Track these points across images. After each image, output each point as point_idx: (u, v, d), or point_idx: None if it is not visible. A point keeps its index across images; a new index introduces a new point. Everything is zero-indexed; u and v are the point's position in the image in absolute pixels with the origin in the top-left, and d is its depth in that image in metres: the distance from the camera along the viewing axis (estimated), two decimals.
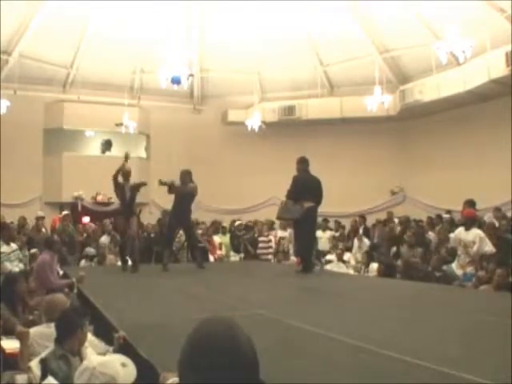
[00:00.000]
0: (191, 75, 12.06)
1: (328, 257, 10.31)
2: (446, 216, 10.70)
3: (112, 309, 4.76)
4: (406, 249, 8.62)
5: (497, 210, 9.62)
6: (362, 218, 11.72)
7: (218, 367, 1.17)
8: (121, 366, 2.54)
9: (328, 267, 9.71)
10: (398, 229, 10.31)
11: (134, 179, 8.63)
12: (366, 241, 10.47)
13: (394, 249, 9.42)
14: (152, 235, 11.17)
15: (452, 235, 7.66)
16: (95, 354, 3.20)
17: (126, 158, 8.48)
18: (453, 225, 9.38)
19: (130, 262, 8.56)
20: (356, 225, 11.47)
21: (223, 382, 1.17)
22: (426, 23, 12.58)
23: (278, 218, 8.97)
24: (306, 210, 7.61)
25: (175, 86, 11.42)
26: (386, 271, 8.06)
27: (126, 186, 8.41)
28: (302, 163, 8.09)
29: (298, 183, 7.86)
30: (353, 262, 9.98)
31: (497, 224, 8.47)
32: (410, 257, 8.36)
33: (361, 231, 11.02)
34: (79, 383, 2.51)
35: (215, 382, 1.17)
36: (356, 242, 10.52)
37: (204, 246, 10.73)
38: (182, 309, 5.02)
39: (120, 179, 8.36)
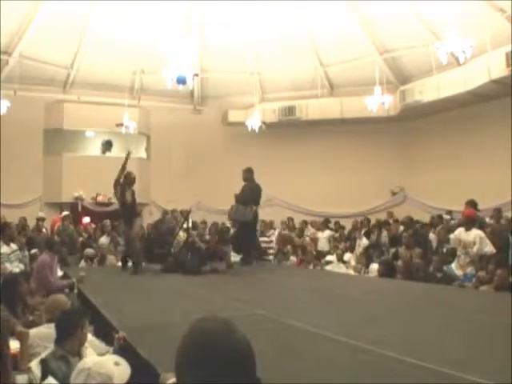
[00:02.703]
0: (196, 75, 12.07)
1: (328, 257, 10.30)
2: (446, 217, 10.68)
3: (112, 309, 4.76)
4: (404, 249, 8.61)
5: (496, 210, 9.60)
6: (366, 219, 11.71)
7: (214, 365, 1.17)
8: (114, 364, 2.55)
9: (328, 267, 9.71)
10: (400, 229, 10.28)
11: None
12: (366, 241, 10.45)
13: (394, 249, 9.39)
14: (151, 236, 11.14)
15: (452, 236, 7.65)
16: (95, 355, 3.20)
17: (128, 155, 8.48)
18: (454, 226, 9.35)
19: (130, 264, 8.56)
20: (357, 225, 11.46)
21: (220, 380, 1.17)
22: (426, 23, 12.57)
23: (231, 219, 10.09)
24: (254, 213, 8.92)
25: (180, 86, 11.42)
26: (386, 272, 8.05)
27: (127, 191, 8.39)
28: (250, 173, 9.26)
29: (247, 190, 9.04)
30: (353, 263, 9.96)
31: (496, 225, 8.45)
32: (407, 257, 8.35)
33: (363, 232, 10.99)
34: None
35: (212, 380, 1.17)
36: (359, 242, 10.48)
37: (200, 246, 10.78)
38: (182, 309, 5.01)
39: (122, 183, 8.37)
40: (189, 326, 1.27)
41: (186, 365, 1.21)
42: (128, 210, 8.39)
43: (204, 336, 1.22)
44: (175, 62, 10.81)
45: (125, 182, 8.41)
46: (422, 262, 8.08)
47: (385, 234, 10.25)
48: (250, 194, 8.95)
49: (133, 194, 8.48)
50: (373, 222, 11.46)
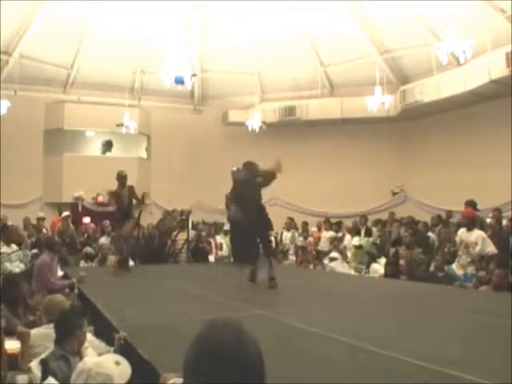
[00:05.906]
0: (194, 75, 12.04)
1: (332, 254, 10.21)
2: (454, 221, 10.64)
3: (112, 309, 4.76)
4: (404, 249, 8.60)
5: (496, 210, 9.59)
6: (364, 217, 11.70)
7: (224, 372, 1.15)
8: (115, 364, 2.55)
9: (332, 264, 9.67)
10: (401, 229, 10.27)
11: (134, 179, 8.62)
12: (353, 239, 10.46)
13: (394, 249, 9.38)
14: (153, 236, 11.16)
15: (457, 238, 7.63)
16: (96, 355, 3.20)
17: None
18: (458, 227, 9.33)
19: (131, 263, 8.60)
20: (357, 225, 11.45)
21: None
22: (426, 23, 12.56)
23: (230, 220, 10.09)
24: None
25: (179, 86, 11.40)
26: (390, 272, 8.05)
27: (122, 193, 8.39)
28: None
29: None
30: (353, 263, 9.96)
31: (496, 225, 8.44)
32: (408, 257, 8.34)
33: (362, 231, 11.00)
34: None
35: None
36: (356, 241, 10.48)
37: (203, 246, 10.82)
38: (183, 310, 5.01)
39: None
40: (200, 329, 1.23)
41: (194, 371, 1.19)
42: (123, 213, 8.41)
43: (214, 343, 1.19)
44: (173, 62, 10.79)
45: (118, 185, 8.45)
46: (424, 258, 8.07)
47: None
48: None
49: (130, 193, 8.45)
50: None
